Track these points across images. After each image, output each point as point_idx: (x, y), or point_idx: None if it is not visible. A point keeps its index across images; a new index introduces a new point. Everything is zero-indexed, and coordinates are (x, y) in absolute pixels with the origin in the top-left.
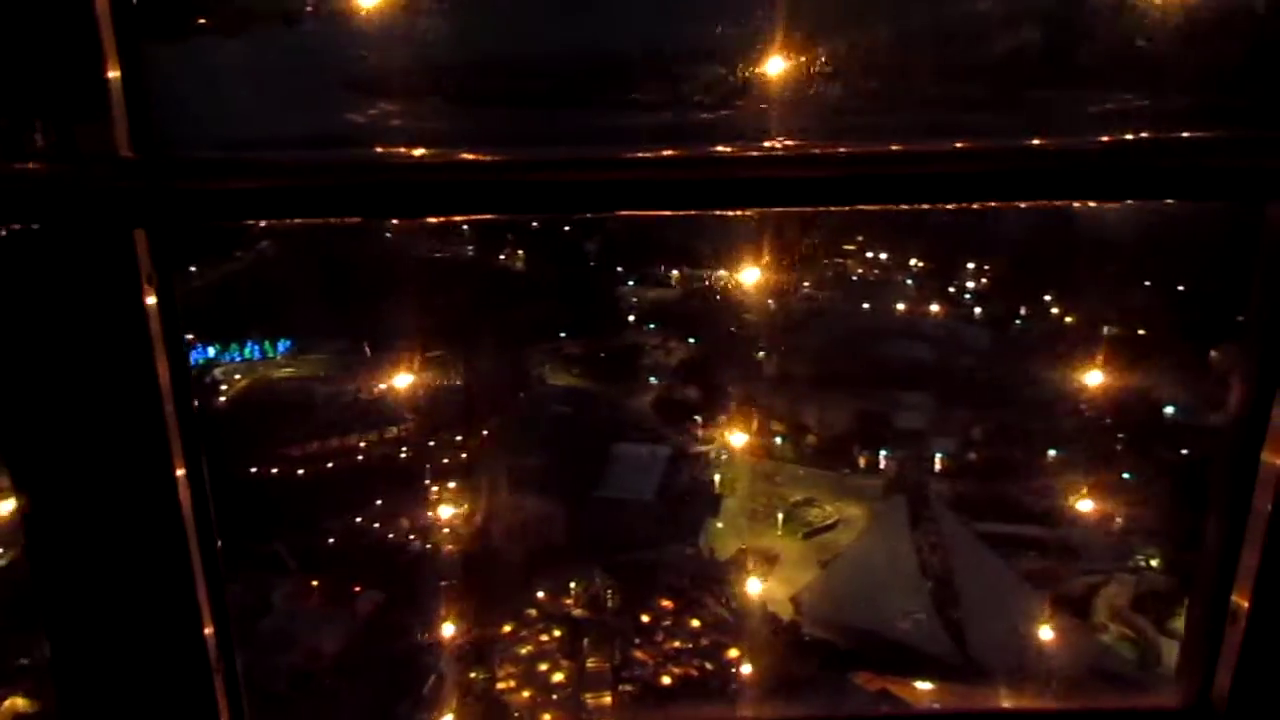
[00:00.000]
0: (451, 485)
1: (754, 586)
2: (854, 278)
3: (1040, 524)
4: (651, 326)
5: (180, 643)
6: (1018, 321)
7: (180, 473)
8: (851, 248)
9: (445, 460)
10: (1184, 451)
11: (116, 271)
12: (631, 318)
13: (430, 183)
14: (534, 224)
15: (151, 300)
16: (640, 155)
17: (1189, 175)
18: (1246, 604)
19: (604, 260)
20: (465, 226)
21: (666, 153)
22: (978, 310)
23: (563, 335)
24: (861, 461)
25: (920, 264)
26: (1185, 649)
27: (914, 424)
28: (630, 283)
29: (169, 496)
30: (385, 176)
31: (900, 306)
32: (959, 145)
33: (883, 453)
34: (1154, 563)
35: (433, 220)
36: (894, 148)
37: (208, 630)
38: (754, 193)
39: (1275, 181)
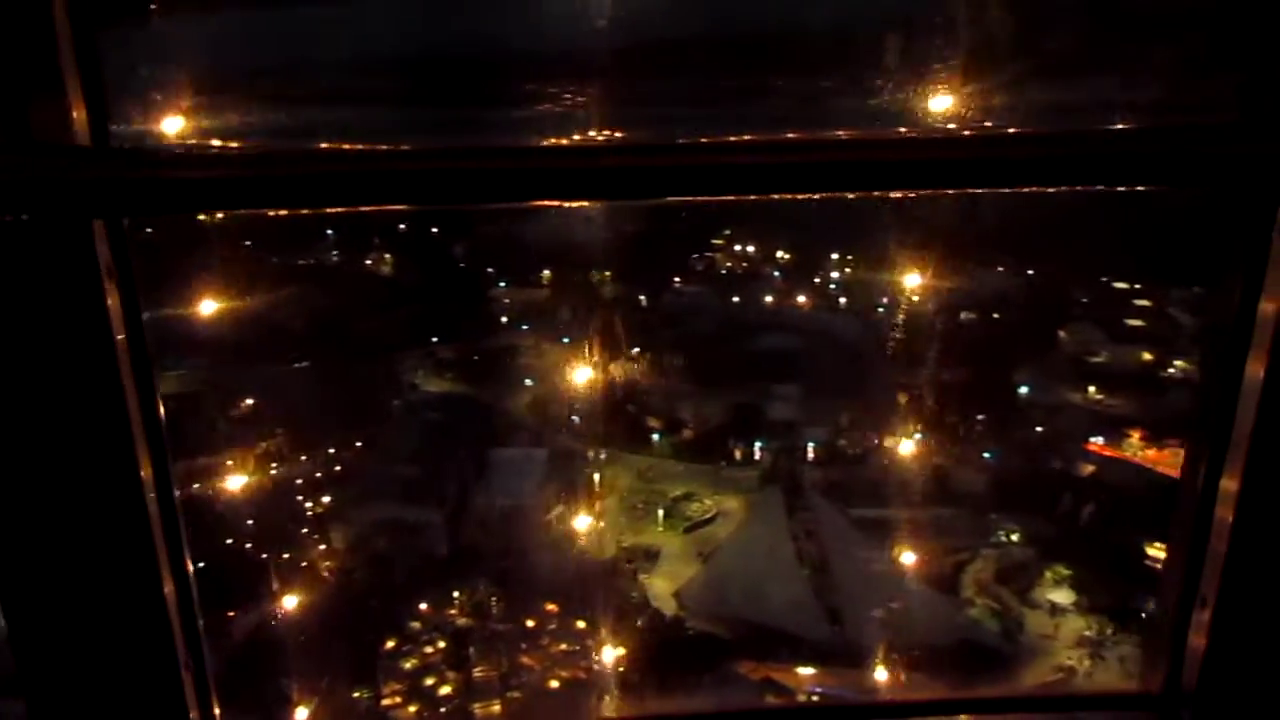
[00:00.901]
0: (326, 499)
1: (638, 584)
2: (723, 272)
3: (909, 506)
4: (524, 328)
5: (148, 641)
6: (880, 310)
7: (145, 471)
8: (719, 242)
9: (317, 474)
10: (1039, 429)
11: (75, 263)
12: (504, 319)
13: (380, 172)
14: (401, 225)
15: (112, 292)
16: (571, 145)
17: (1178, 163)
18: (1214, 592)
19: (474, 263)
20: (330, 231)
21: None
22: (843, 300)
23: (434, 340)
24: (737, 454)
25: (786, 256)
26: (1155, 637)
27: (786, 414)
28: (501, 284)
29: (133, 492)
30: (342, 167)
31: (769, 299)
32: (933, 135)
33: (757, 444)
34: (1014, 537)
35: (373, 209)
36: (842, 135)
37: (176, 628)
38: (715, 180)
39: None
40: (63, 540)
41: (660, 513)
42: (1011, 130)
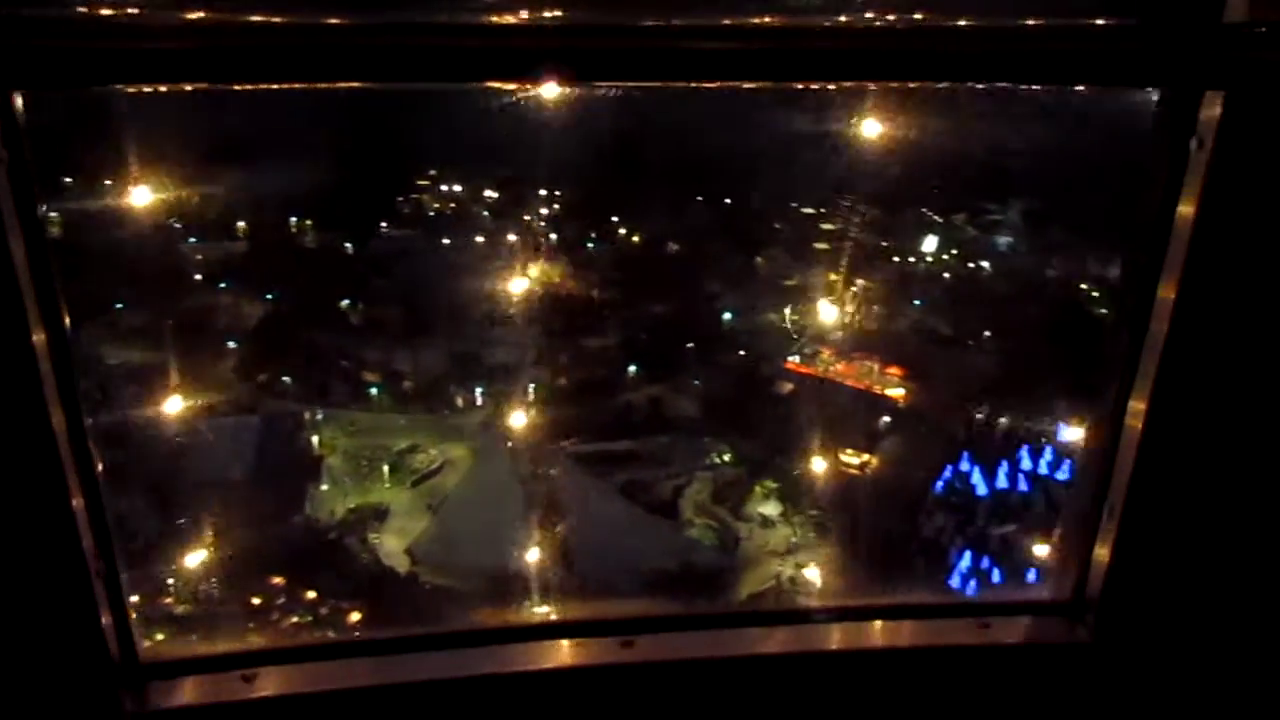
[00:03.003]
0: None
1: (368, 545)
2: (431, 214)
3: (629, 438)
4: (222, 286)
5: (58, 550)
6: (589, 245)
7: (49, 385)
8: (425, 183)
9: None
10: (742, 353)
11: None
12: (198, 277)
13: (296, 46)
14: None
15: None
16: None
17: (1110, 61)
18: (1121, 502)
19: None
20: None
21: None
22: (553, 236)
23: (119, 306)
24: (459, 401)
25: (494, 195)
26: (1061, 546)
27: (506, 358)
28: (192, 240)
29: (36, 404)
30: (252, 40)
31: (479, 239)
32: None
33: (478, 390)
34: (726, 458)
35: (299, 86)
36: (767, 22)
37: (85, 540)
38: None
39: (1209, 70)
40: None
41: (385, 468)
42: (927, 24)
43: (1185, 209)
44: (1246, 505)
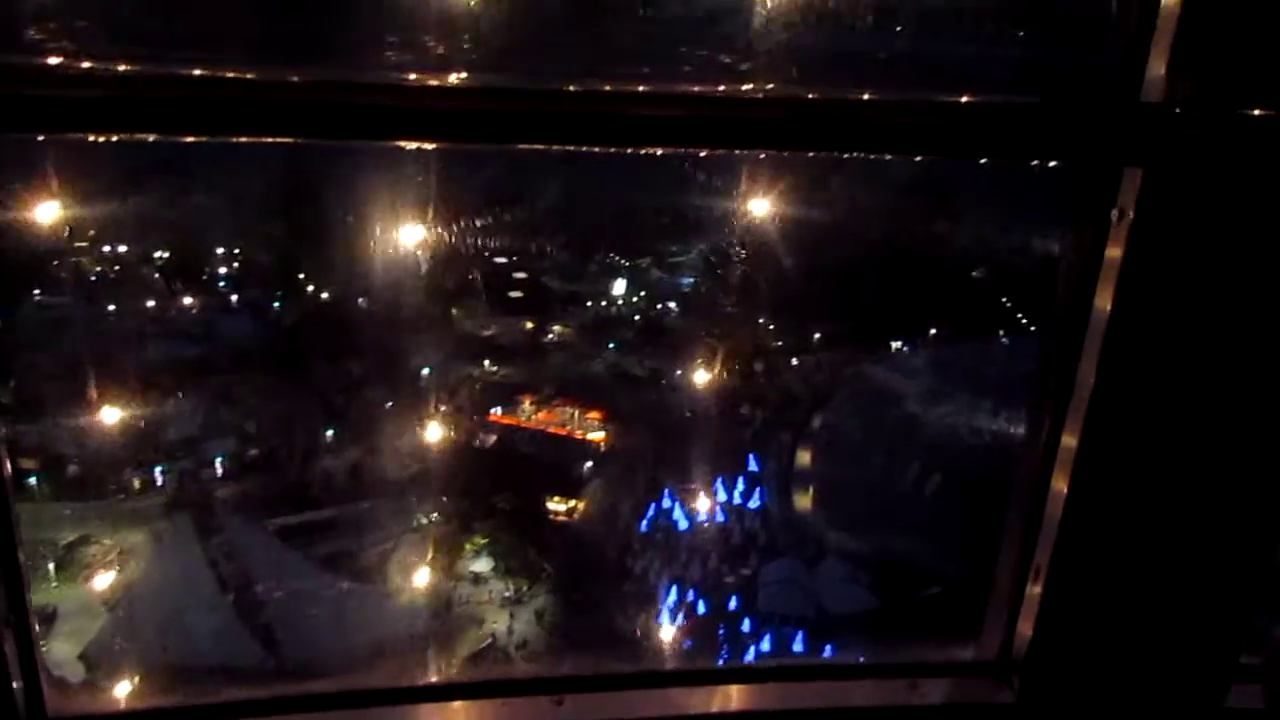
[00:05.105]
0: None
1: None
2: (93, 278)
3: (331, 505)
4: None
5: None
6: (276, 306)
7: None
8: (84, 244)
9: None
10: (443, 408)
11: None
12: None
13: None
14: None
15: None
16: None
17: (1048, 137)
18: (1047, 564)
19: None
20: None
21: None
22: (234, 298)
23: None
24: (136, 483)
25: (165, 255)
26: (989, 606)
27: (188, 430)
28: None
29: None
30: (215, 93)
31: (150, 303)
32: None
33: (159, 469)
34: (434, 517)
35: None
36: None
37: None
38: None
39: (1128, 146)
40: None
41: (51, 566)
42: (866, 96)
43: (1106, 278)
44: (1171, 569)
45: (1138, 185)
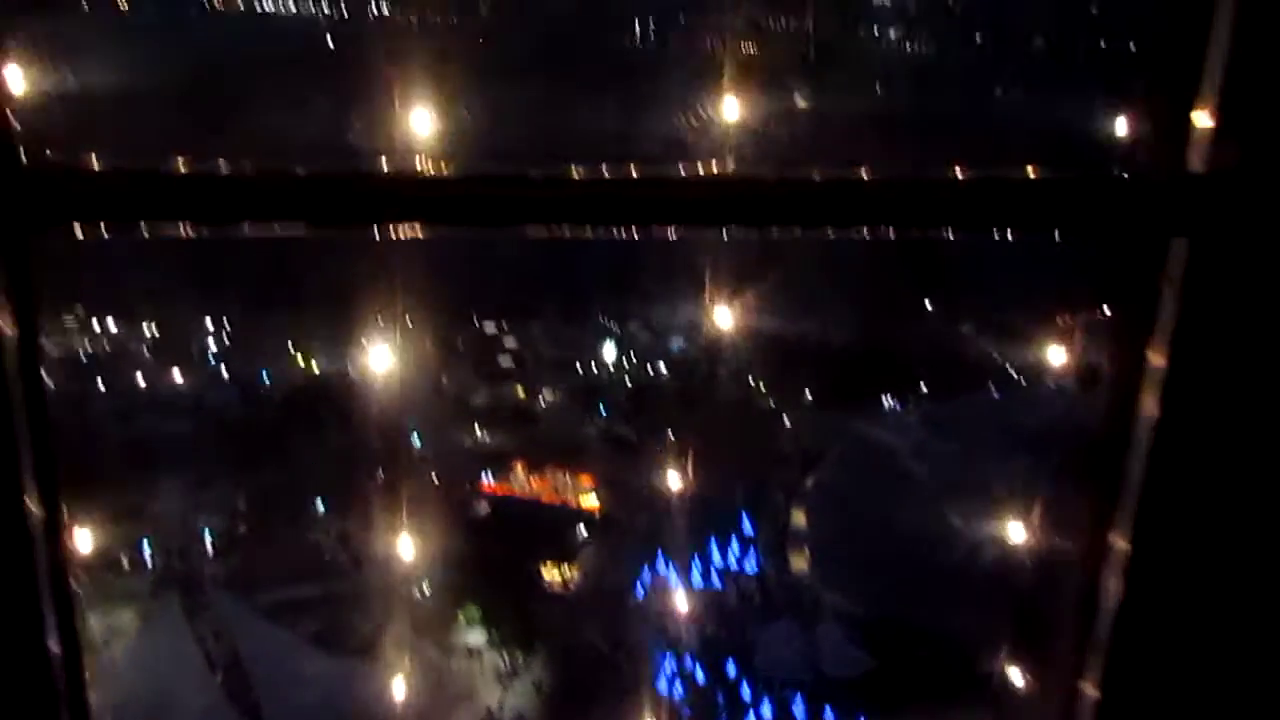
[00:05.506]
0: None
1: None
2: (84, 354)
3: (321, 581)
4: None
5: (25, 666)
6: (264, 373)
7: (33, 505)
8: (71, 318)
9: None
10: (435, 477)
11: None
12: None
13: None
14: None
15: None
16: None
17: (1092, 212)
18: (1100, 670)
19: None
20: None
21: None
22: (225, 371)
23: None
24: (124, 561)
25: (154, 331)
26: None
27: (173, 506)
28: None
29: (18, 526)
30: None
31: (140, 381)
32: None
33: (145, 545)
34: (426, 590)
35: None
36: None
37: (54, 651)
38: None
39: (1173, 218)
40: None
41: None
42: (910, 176)
43: (1158, 347)
44: (1233, 669)
45: (1185, 255)
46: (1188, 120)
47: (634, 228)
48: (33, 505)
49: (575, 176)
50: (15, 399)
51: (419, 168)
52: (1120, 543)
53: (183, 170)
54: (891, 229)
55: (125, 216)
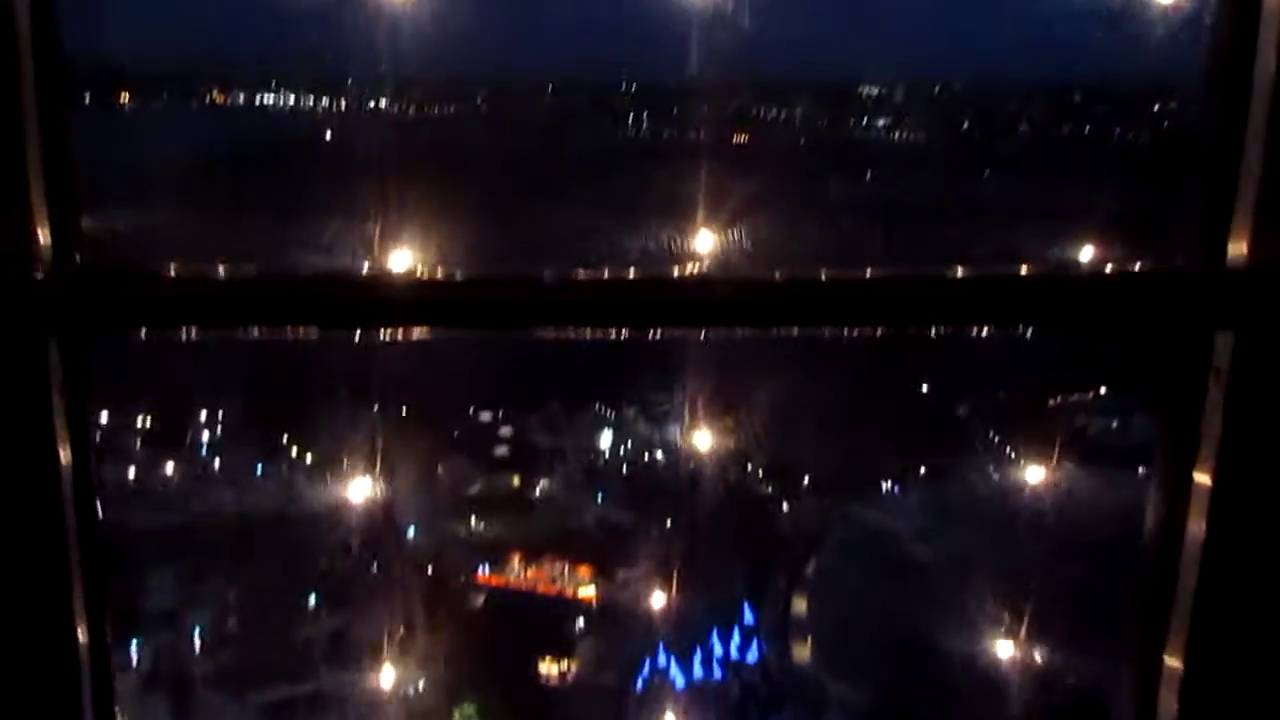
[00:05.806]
0: None
1: None
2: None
3: (312, 678)
4: None
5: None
6: (259, 466)
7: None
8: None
9: None
10: (429, 569)
11: (25, 380)
12: None
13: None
14: None
15: (60, 411)
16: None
17: (1127, 308)
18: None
19: None
20: None
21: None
22: (217, 464)
23: None
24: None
25: (149, 422)
26: None
27: (165, 604)
28: None
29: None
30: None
31: (131, 474)
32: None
33: (133, 643)
34: (420, 685)
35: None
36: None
37: (81, 637)
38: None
39: (1216, 312)
40: None
41: None
42: (939, 273)
43: (1207, 443)
44: None
45: (1231, 345)
46: (1228, 214)
47: (649, 330)
48: (82, 635)
49: (582, 278)
50: (69, 528)
51: (427, 273)
52: (1173, 662)
53: (240, 274)
54: (917, 327)
55: (182, 321)
